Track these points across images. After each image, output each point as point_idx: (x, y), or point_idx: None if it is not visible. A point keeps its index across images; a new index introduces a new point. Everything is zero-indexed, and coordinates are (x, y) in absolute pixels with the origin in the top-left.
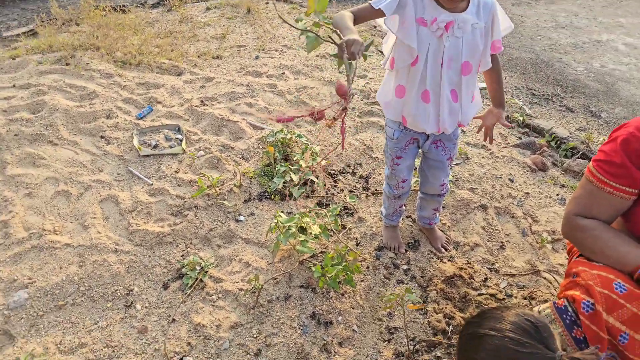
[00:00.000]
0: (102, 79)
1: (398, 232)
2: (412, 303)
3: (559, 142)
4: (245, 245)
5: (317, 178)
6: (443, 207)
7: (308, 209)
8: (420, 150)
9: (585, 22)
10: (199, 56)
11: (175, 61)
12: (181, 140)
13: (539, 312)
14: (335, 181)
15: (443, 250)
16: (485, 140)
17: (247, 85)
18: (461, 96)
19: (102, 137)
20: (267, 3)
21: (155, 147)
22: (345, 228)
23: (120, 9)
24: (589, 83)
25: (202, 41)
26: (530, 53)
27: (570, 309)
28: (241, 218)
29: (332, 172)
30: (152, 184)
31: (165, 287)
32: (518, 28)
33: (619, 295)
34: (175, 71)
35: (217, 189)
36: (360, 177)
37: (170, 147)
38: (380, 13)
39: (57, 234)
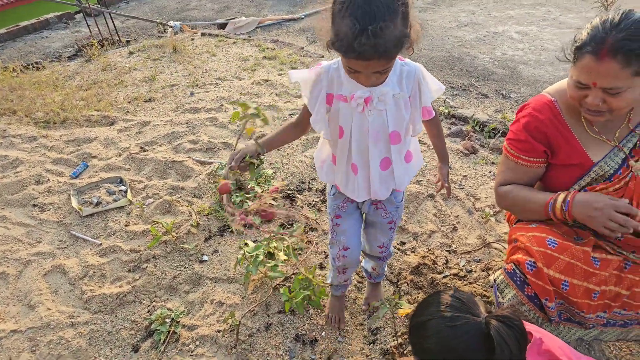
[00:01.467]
0: (25, 143)
1: (343, 303)
2: (402, 309)
3: (481, 126)
4: (214, 284)
5: (276, 201)
6: (387, 274)
7: (272, 233)
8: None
9: (483, 18)
10: (129, 102)
11: (104, 111)
12: (125, 192)
13: (494, 279)
14: (293, 200)
15: (366, 307)
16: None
17: (187, 123)
18: (392, 163)
19: (34, 205)
20: (192, 39)
21: (98, 204)
22: (312, 243)
23: (34, 67)
24: (495, 70)
25: (130, 86)
26: (443, 52)
27: (518, 271)
28: (205, 258)
29: (289, 191)
30: (100, 244)
31: (136, 349)
32: (429, 31)
33: (552, 250)
34: (107, 121)
35: (173, 234)
36: (317, 191)
37: (115, 200)
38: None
39: None
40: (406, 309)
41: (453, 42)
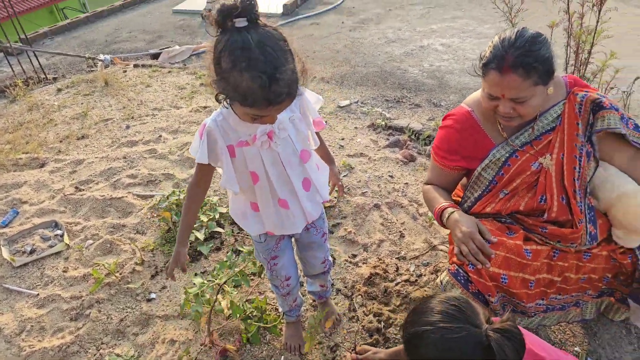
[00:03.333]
0: None
1: (299, 328)
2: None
3: (417, 135)
4: (164, 323)
5: (223, 228)
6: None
7: (220, 262)
8: (292, 238)
9: (409, 34)
10: (61, 141)
11: (34, 153)
12: (62, 236)
13: (441, 282)
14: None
15: (328, 329)
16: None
17: (124, 157)
18: (311, 180)
19: None
20: (124, 71)
21: (32, 252)
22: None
23: None
24: (425, 81)
25: (60, 125)
26: (375, 67)
27: (461, 270)
28: (153, 296)
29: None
30: (37, 295)
31: None
32: (360, 49)
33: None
34: (37, 163)
35: (117, 275)
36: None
37: (51, 246)
38: (208, 167)
39: None
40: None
41: (384, 58)
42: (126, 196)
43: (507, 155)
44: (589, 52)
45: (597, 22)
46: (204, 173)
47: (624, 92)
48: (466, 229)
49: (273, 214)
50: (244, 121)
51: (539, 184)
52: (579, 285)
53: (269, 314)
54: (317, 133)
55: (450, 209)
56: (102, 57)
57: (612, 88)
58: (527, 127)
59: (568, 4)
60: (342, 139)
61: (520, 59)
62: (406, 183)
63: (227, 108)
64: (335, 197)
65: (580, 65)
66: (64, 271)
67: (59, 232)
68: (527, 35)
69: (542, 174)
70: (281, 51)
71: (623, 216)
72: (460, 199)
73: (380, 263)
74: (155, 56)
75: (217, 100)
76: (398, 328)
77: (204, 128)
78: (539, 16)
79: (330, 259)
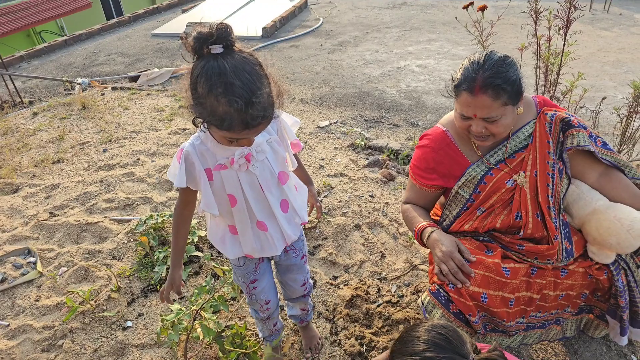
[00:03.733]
0: None
1: (280, 353)
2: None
3: (396, 154)
4: (140, 352)
5: (202, 252)
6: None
7: (199, 287)
8: (272, 261)
9: (386, 55)
10: (35, 165)
11: (7, 178)
12: (35, 263)
13: (422, 302)
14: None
15: (309, 353)
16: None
17: (101, 181)
18: (290, 201)
19: None
20: (102, 94)
21: (3, 281)
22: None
23: None
24: (402, 101)
25: (36, 149)
26: (354, 88)
27: (442, 290)
28: (129, 324)
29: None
30: (8, 325)
31: None
32: (339, 70)
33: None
34: (10, 189)
35: (92, 303)
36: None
37: (23, 274)
38: (190, 190)
39: None
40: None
41: (362, 79)
42: (102, 221)
43: (483, 173)
44: (558, 74)
45: (564, 44)
46: (187, 195)
47: (593, 111)
48: (446, 248)
49: (251, 236)
50: (222, 144)
51: (514, 201)
52: (558, 302)
53: (249, 340)
54: (295, 155)
55: (430, 229)
56: (79, 80)
57: (581, 107)
58: (501, 145)
59: (536, 28)
60: (322, 159)
61: (490, 80)
62: (386, 202)
63: (204, 132)
64: (315, 219)
65: (549, 86)
66: (36, 300)
67: (31, 259)
68: (495, 58)
69: (517, 191)
70: (257, 76)
71: (596, 232)
72: (439, 218)
73: (362, 284)
74: (134, 79)
75: (194, 124)
76: (380, 351)
77: (181, 152)
78: (508, 39)
79: (311, 281)
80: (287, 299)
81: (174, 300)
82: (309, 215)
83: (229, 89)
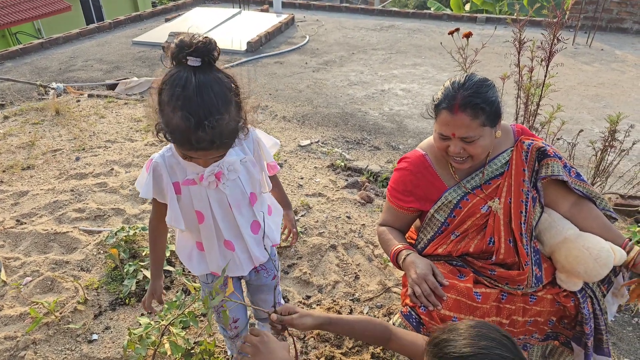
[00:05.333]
0: None
1: None
2: None
3: (375, 176)
4: None
5: (173, 266)
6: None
7: (169, 302)
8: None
9: (370, 77)
10: (4, 171)
11: None
12: None
13: (393, 324)
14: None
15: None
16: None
17: (72, 190)
18: (261, 223)
19: None
20: (78, 101)
21: None
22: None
23: None
24: (385, 124)
25: (5, 154)
26: (337, 108)
27: (413, 313)
28: (94, 337)
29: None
30: None
31: None
32: (323, 90)
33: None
34: None
35: (57, 314)
36: None
37: None
38: (161, 202)
39: None
40: None
41: (345, 100)
42: (72, 231)
43: (459, 197)
44: (538, 104)
45: (545, 76)
46: (160, 207)
47: (569, 143)
48: (421, 270)
49: (218, 254)
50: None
51: (488, 227)
52: (526, 328)
53: (217, 357)
54: (274, 176)
55: (405, 251)
56: (54, 85)
57: (558, 139)
58: (478, 171)
59: (519, 58)
60: (302, 178)
61: (469, 99)
62: (363, 224)
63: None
64: (288, 245)
65: (529, 116)
66: None
67: None
68: (475, 79)
69: (491, 217)
70: (223, 99)
71: (565, 260)
72: (414, 241)
73: (334, 305)
74: (112, 87)
75: (156, 129)
76: None
77: (150, 162)
78: (492, 67)
79: (282, 301)
80: (257, 319)
81: (153, 309)
82: (285, 240)
83: (186, 104)
